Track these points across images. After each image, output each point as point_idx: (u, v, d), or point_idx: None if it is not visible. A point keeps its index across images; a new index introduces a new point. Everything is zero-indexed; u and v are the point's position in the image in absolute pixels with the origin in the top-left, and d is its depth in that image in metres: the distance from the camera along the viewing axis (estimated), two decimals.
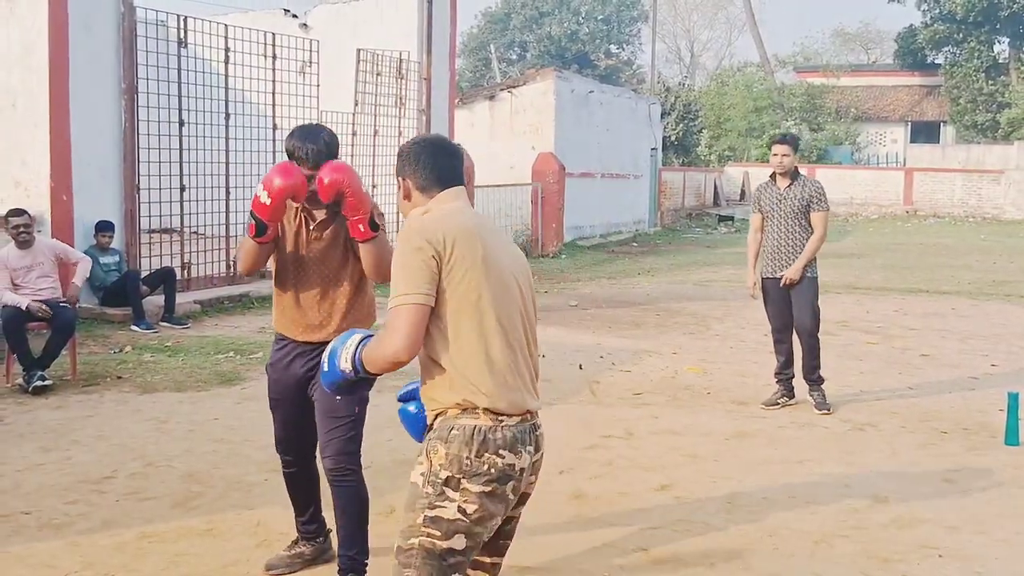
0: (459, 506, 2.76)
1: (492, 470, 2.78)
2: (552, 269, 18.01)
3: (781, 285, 7.31)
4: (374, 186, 14.75)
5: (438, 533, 2.77)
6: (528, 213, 20.88)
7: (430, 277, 2.76)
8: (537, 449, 2.93)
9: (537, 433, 2.94)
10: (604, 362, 9.08)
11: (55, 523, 4.82)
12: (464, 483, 2.77)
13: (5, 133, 10.19)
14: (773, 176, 7.47)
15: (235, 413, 7.00)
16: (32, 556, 4.41)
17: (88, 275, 8.41)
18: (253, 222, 3.83)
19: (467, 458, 2.77)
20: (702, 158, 40.99)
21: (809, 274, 7.32)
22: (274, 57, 12.79)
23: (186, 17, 11.64)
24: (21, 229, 7.80)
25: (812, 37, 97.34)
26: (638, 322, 11.55)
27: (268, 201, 3.74)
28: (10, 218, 7.85)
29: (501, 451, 2.79)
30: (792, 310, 7.39)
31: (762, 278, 7.48)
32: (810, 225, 7.31)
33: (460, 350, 2.80)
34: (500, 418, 2.81)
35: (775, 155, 7.35)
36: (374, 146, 14.70)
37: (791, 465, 6.04)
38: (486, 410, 2.80)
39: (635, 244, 24.30)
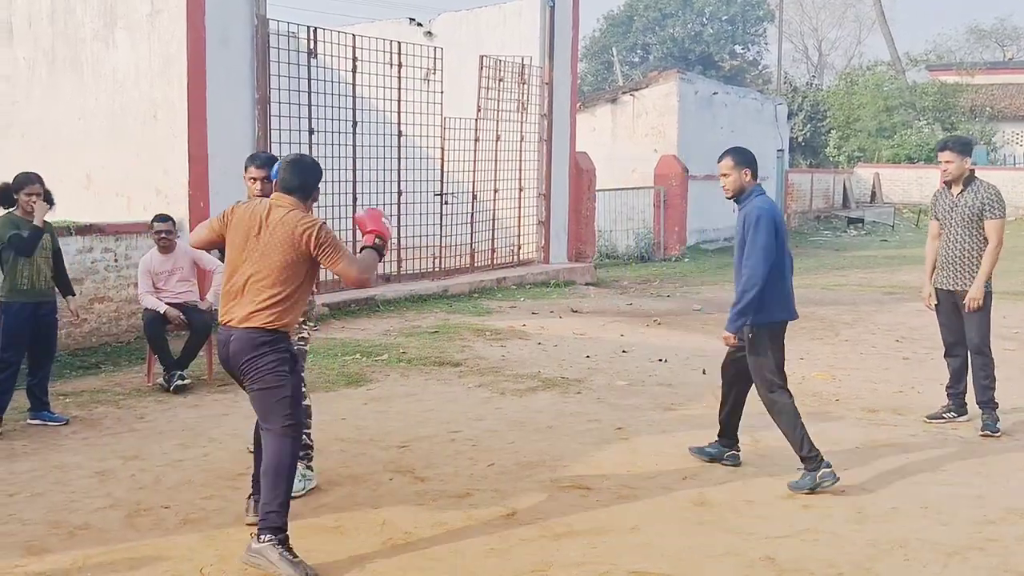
0: None
1: None
2: (675, 273, 17.86)
3: (967, 310, 6.81)
4: (496, 191, 14.90)
5: None
6: (650, 216, 20.74)
7: None
8: None
9: None
10: None
11: (193, 517, 5.03)
12: None
13: (148, 143, 10.65)
14: (949, 182, 6.95)
15: (361, 413, 7.17)
16: (171, 548, 4.61)
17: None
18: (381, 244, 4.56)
19: None
20: (831, 159, 39.94)
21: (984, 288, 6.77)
22: (400, 65, 13.04)
23: (316, 28, 11.99)
24: (163, 234, 8.14)
25: (945, 35, 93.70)
26: None
27: None
28: (155, 223, 8.22)
29: None
30: (962, 324, 6.94)
31: (935, 289, 7.04)
32: (984, 234, 6.77)
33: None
34: None
35: (940, 162, 6.90)
36: (496, 151, 14.83)
37: (923, 475, 5.85)
38: None
39: None
